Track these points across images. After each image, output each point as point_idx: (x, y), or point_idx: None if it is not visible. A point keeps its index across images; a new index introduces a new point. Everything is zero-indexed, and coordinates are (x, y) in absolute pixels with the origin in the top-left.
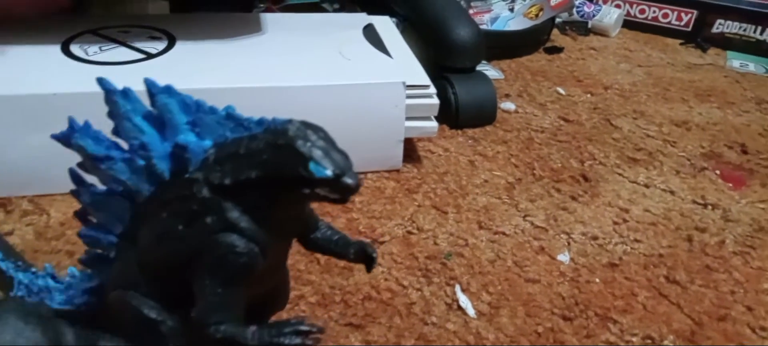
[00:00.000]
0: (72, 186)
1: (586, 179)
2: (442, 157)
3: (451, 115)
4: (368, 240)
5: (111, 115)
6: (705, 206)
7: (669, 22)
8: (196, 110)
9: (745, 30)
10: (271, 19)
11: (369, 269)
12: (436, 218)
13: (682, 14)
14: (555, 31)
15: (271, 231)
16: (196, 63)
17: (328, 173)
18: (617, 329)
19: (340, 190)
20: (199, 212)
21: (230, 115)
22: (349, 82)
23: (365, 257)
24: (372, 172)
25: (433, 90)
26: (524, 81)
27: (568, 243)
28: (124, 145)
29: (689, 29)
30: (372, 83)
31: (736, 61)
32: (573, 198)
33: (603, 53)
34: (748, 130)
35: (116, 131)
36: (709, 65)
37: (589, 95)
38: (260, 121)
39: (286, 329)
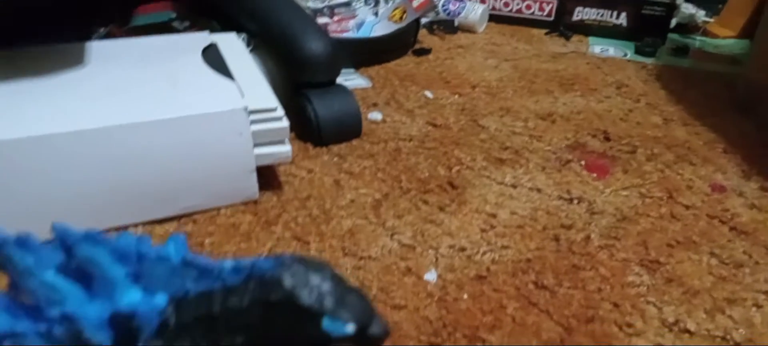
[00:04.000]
0: None
1: (453, 187)
2: (304, 180)
3: (313, 133)
4: None
5: (4, 269)
6: (570, 200)
7: (532, 13)
8: (137, 260)
9: (602, 15)
10: (96, 49)
11: None
12: (297, 249)
13: (544, 4)
14: (423, 31)
15: None
16: (2, 109)
17: (349, 329)
18: None
19: (364, 344)
20: None
21: (189, 263)
22: (185, 113)
23: None
24: (226, 206)
25: (280, 112)
26: (392, 87)
27: (436, 259)
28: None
29: (551, 18)
30: (211, 113)
31: (597, 47)
32: (441, 208)
33: (470, 50)
34: (609, 115)
35: (16, 289)
36: (573, 53)
37: (456, 96)
38: (237, 268)
39: None
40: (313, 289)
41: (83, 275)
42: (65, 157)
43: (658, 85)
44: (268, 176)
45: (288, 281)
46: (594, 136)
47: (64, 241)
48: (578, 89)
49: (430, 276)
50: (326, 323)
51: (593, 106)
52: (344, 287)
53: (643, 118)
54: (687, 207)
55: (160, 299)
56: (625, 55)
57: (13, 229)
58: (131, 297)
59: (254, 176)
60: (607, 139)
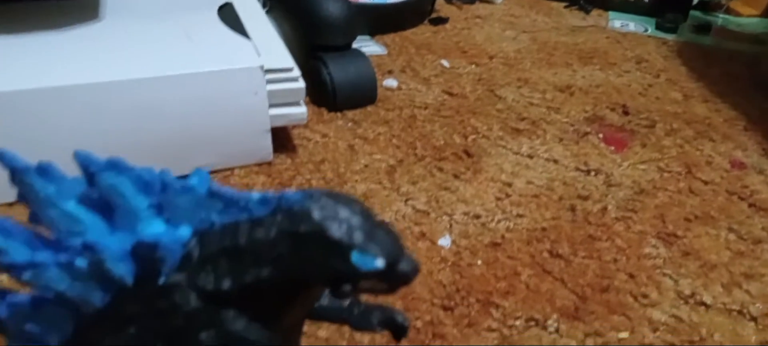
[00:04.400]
0: None
1: (469, 155)
2: (319, 144)
3: (328, 98)
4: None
5: (24, 199)
6: (588, 172)
7: None
8: (161, 189)
9: None
10: (111, 4)
11: (398, 339)
12: None
13: None
14: (441, 0)
15: (286, 333)
16: (21, 61)
17: (380, 263)
18: (499, 314)
19: (393, 280)
20: (187, 327)
21: (215, 193)
22: (200, 70)
23: (394, 326)
24: (240, 167)
25: (297, 72)
26: (408, 55)
27: (450, 225)
28: (47, 232)
29: None
30: (226, 70)
31: (617, 22)
32: (455, 176)
33: (488, 21)
34: (628, 90)
35: (36, 219)
36: (592, 27)
37: (473, 66)
38: (265, 199)
39: None
40: (343, 222)
41: (105, 208)
42: (79, 109)
43: (679, 62)
44: (282, 139)
45: (317, 214)
46: (612, 109)
47: (86, 168)
48: (597, 63)
49: (444, 242)
50: (355, 257)
51: (612, 80)
52: (374, 221)
53: (662, 94)
54: (706, 183)
55: (184, 231)
56: (646, 30)
57: None
58: (154, 229)
59: (269, 137)
60: (626, 113)
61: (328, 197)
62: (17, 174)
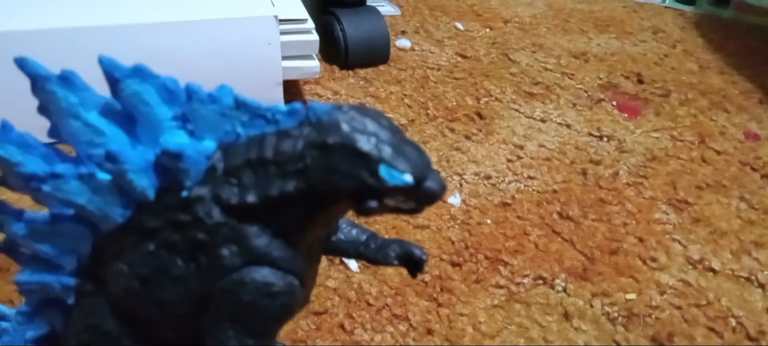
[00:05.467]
0: None
1: (481, 117)
2: (330, 101)
3: (340, 55)
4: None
5: (44, 110)
6: (600, 137)
7: None
8: (187, 99)
9: None
10: None
11: (414, 274)
12: None
13: None
14: None
15: (307, 252)
16: (34, 2)
17: (408, 178)
18: (508, 272)
19: (420, 197)
20: (209, 242)
21: (242, 103)
22: (213, 17)
23: (412, 260)
24: None
25: (311, 24)
26: (422, 16)
27: (461, 185)
28: (68, 149)
29: None
30: (240, 18)
31: None
32: (467, 137)
33: None
34: (644, 59)
35: (56, 133)
36: None
37: (488, 30)
38: (292, 111)
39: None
40: (372, 135)
41: (128, 122)
42: (89, 52)
43: (696, 33)
44: (293, 94)
45: (346, 126)
46: (627, 77)
47: (111, 74)
48: (613, 31)
49: (454, 200)
50: (383, 171)
51: (628, 49)
52: (402, 137)
53: (678, 64)
54: (718, 153)
55: (209, 144)
56: (663, 1)
57: (36, 122)
58: (178, 140)
59: (281, 90)
60: (641, 81)
61: (357, 110)
62: (39, 82)
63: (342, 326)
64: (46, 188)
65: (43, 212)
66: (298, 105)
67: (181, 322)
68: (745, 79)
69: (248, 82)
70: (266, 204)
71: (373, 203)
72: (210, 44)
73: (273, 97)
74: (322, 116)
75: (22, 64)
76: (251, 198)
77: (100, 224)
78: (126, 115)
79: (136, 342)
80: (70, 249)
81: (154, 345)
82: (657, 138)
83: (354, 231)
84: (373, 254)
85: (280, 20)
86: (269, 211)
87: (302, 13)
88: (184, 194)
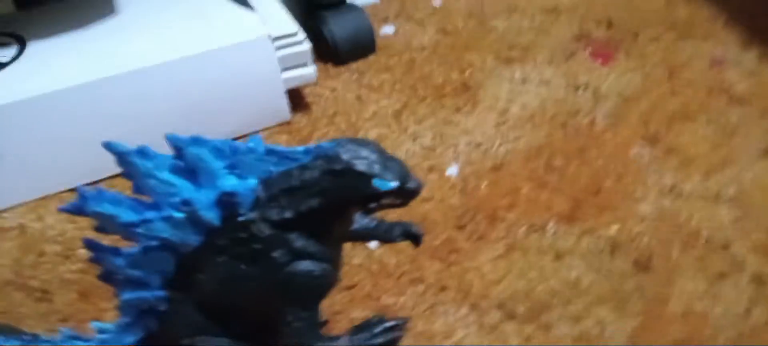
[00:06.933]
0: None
1: (467, 88)
2: (330, 99)
3: (332, 53)
4: None
5: (128, 175)
6: (576, 89)
7: None
8: (232, 153)
9: None
10: None
11: (417, 245)
12: None
13: None
14: None
15: (333, 245)
16: (51, 63)
17: (393, 184)
18: (505, 226)
19: (405, 195)
20: (263, 249)
21: (272, 151)
22: (213, 47)
23: (412, 235)
24: (263, 130)
25: (302, 35)
26: (400, 1)
27: (456, 156)
28: (146, 199)
29: None
30: (238, 43)
31: None
32: (457, 110)
33: None
34: (613, 3)
35: (139, 190)
36: None
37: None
38: (307, 150)
39: (376, 331)
40: (364, 159)
41: (190, 174)
42: (108, 101)
43: None
44: (296, 98)
45: (345, 155)
46: (598, 23)
47: (176, 145)
48: None
49: (452, 171)
50: (376, 182)
51: None
52: (386, 155)
53: (644, 2)
54: (687, 83)
55: (252, 181)
56: None
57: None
58: (229, 182)
59: (285, 99)
60: (611, 26)
61: (352, 142)
62: (123, 157)
63: (370, 295)
64: (139, 230)
65: (134, 246)
66: (311, 146)
67: (250, 310)
68: (710, 2)
69: (255, 97)
70: (300, 217)
71: (373, 205)
72: (213, 73)
73: (279, 107)
74: (328, 151)
75: (108, 146)
76: (288, 214)
77: (180, 249)
78: (188, 170)
79: (220, 328)
80: (157, 270)
81: (233, 330)
82: (629, 79)
83: (365, 221)
84: (382, 235)
85: (274, 38)
86: (302, 221)
87: (292, 26)
88: (241, 218)
